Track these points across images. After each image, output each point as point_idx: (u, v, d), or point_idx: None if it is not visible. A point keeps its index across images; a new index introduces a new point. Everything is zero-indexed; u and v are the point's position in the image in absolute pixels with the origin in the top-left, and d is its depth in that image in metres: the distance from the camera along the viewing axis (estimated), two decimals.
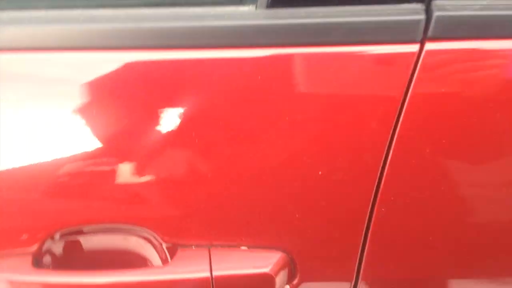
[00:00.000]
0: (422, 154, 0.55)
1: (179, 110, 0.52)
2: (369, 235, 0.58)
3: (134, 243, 0.60)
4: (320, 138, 0.54)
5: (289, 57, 0.51)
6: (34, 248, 0.58)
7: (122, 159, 0.54)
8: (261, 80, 0.51)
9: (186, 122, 0.53)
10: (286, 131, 0.53)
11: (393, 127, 0.54)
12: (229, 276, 0.58)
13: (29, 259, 0.59)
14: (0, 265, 0.59)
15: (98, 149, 0.53)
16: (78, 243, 0.60)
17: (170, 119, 0.53)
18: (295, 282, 0.62)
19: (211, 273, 0.58)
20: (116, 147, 0.54)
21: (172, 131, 0.53)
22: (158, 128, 0.53)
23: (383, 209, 0.57)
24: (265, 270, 0.58)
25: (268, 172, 0.55)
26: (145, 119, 0.53)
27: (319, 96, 0.53)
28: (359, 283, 0.62)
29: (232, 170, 0.55)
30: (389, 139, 0.54)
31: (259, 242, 0.59)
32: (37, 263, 0.59)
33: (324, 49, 0.51)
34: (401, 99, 0.53)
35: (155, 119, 0.53)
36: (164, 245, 0.59)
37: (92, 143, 0.53)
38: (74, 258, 0.61)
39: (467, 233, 0.60)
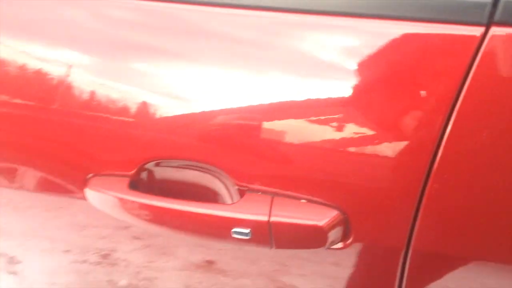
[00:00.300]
0: (479, 137, 0.57)
1: None
2: (421, 208, 0.62)
3: (211, 181, 0.70)
4: (381, 108, 0.60)
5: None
6: (131, 172, 0.71)
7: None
8: None
9: None
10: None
11: (450, 108, 0.57)
12: (285, 223, 0.65)
13: (126, 181, 0.71)
14: (103, 183, 0.73)
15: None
16: (166, 173, 0.72)
17: None
18: (348, 242, 0.67)
19: (269, 218, 0.65)
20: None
21: None
22: None
23: (435, 185, 0.60)
24: (319, 223, 0.64)
25: (331, 134, 0.62)
26: None
27: (378, 69, 0.59)
28: (409, 252, 0.65)
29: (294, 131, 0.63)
30: (446, 119, 0.58)
31: (319, 197, 0.65)
32: (132, 185, 0.71)
33: (385, 24, 0.57)
34: (461, 81, 0.56)
35: None
36: (235, 187, 0.68)
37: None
38: (161, 185, 0.73)
39: None
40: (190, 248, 0.84)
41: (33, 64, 0.70)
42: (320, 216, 0.65)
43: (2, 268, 1.09)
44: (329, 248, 0.67)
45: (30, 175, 0.79)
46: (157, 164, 0.71)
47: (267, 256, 0.79)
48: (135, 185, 0.72)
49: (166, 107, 0.66)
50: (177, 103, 0.66)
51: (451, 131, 0.58)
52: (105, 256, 0.93)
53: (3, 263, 1.07)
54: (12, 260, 1.06)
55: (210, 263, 0.85)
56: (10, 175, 0.81)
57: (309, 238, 0.66)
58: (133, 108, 0.67)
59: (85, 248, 0.93)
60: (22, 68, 0.70)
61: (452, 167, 0.59)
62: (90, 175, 0.73)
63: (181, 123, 0.66)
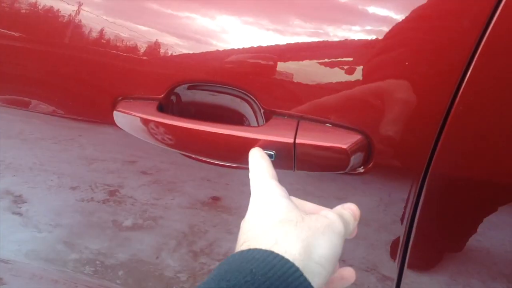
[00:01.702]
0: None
1: None
2: (444, 131, 0.64)
3: (239, 104, 0.72)
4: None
5: None
6: (161, 96, 0.73)
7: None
8: None
9: None
10: None
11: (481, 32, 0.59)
12: (310, 145, 0.67)
13: (155, 104, 0.73)
14: (133, 106, 0.75)
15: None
16: (195, 96, 0.74)
17: None
18: (369, 166, 0.69)
19: (295, 140, 0.67)
20: None
21: None
22: None
23: (460, 108, 0.62)
24: (343, 146, 0.66)
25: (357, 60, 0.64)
26: None
27: None
28: (427, 177, 0.67)
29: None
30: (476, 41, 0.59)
31: (344, 122, 0.67)
32: (161, 108, 0.74)
33: None
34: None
35: None
36: (261, 111, 0.70)
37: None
38: (189, 108, 0.75)
39: None
40: (197, 183, 0.86)
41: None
42: (345, 140, 0.66)
43: (6, 208, 1.09)
44: (349, 173, 0.70)
45: (59, 100, 0.82)
46: (187, 88, 0.73)
47: None
48: (165, 108, 0.74)
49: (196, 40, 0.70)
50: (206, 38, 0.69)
51: (480, 52, 0.59)
52: (112, 193, 0.95)
53: (8, 203, 1.08)
54: (17, 200, 1.07)
55: (215, 199, 0.87)
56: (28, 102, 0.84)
57: (331, 161, 0.68)
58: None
59: (93, 183, 0.94)
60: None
61: (479, 89, 0.61)
62: (120, 98, 0.75)
63: (213, 49, 0.69)
